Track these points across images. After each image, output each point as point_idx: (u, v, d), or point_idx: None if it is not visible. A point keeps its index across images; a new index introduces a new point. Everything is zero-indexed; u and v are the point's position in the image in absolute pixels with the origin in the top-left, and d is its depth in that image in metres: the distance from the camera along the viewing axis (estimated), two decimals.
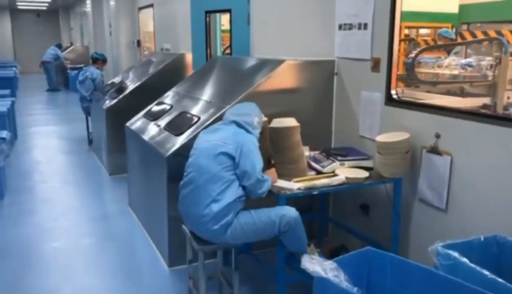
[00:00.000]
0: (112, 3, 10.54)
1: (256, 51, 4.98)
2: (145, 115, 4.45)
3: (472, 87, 5.10)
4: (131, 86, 5.98)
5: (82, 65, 15.48)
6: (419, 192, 3.03)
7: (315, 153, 3.29)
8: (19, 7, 22.74)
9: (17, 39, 23.88)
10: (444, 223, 2.87)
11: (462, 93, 5.29)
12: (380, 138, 3.02)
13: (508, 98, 4.59)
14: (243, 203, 2.68)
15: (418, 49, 4.47)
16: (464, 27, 6.00)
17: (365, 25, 3.40)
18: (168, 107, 4.26)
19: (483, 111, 4.47)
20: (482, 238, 2.35)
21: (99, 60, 7.20)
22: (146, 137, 3.94)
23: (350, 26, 3.55)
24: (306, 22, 4.07)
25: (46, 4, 21.64)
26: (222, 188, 2.58)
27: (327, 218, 3.90)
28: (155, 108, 4.50)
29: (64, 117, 10.41)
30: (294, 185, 2.78)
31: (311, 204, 3.81)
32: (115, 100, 5.79)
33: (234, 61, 4.63)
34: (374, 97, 3.36)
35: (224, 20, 6.12)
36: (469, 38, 6.03)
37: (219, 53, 6.01)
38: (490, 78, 4.69)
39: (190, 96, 4.25)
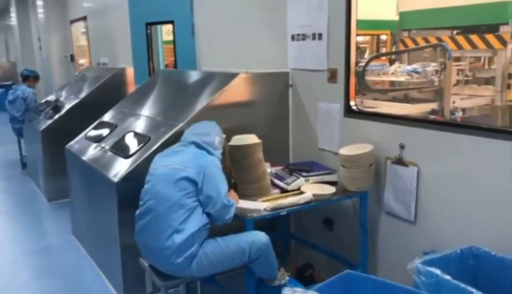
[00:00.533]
0: (40, 16, 9.91)
1: (203, 63, 4.78)
2: (87, 136, 4.11)
3: (419, 93, 5.20)
4: (68, 104, 5.57)
5: (9, 83, 14.56)
6: (385, 205, 2.95)
7: (277, 169, 3.14)
8: None
9: None
10: (413, 236, 2.80)
11: (407, 100, 5.40)
12: (344, 151, 2.92)
13: (454, 102, 4.71)
14: (208, 231, 2.47)
15: (369, 57, 4.45)
16: (405, 34, 6.13)
17: (320, 35, 3.31)
18: (112, 126, 3.96)
19: (432, 117, 4.56)
20: (458, 251, 2.30)
21: (30, 77, 6.70)
22: (90, 160, 3.62)
23: (304, 37, 3.45)
24: (257, 32, 3.93)
25: None
26: (184, 217, 2.36)
27: (289, 235, 3.76)
28: (98, 128, 4.17)
29: None
30: (261, 206, 2.61)
31: (272, 222, 3.65)
32: (51, 120, 5.36)
33: (181, 75, 4.41)
34: (332, 109, 3.26)
35: (166, 29, 5.90)
36: (411, 45, 6.18)
37: (162, 67, 5.74)
38: (436, 84, 4.79)
39: (136, 114, 3.97)
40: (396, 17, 6.91)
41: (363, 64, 4.49)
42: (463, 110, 4.70)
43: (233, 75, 3.46)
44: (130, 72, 5.72)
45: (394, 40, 7.55)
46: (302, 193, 2.75)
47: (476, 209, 2.45)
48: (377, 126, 2.98)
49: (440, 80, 4.71)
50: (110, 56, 7.14)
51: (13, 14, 13.92)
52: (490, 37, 4.89)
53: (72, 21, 9.07)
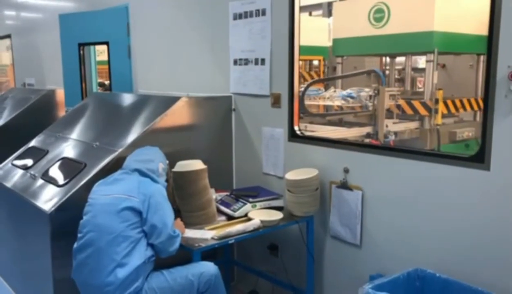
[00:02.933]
0: None
1: (140, 86, 4.64)
2: (14, 163, 3.80)
3: (354, 118, 5.37)
4: None
5: None
6: (331, 229, 2.97)
7: (223, 195, 3.07)
8: None
9: None
10: (359, 259, 2.83)
11: (341, 123, 5.57)
12: (289, 175, 2.92)
13: (387, 126, 4.90)
14: (153, 264, 2.34)
15: (308, 82, 4.54)
16: (339, 60, 6.34)
17: (263, 60, 3.33)
18: (43, 152, 3.69)
19: (367, 140, 4.72)
20: (405, 273, 2.35)
21: None
22: (18, 189, 3.33)
23: (246, 61, 3.45)
24: (198, 55, 3.88)
25: None
26: (128, 250, 2.22)
27: (232, 261, 3.68)
28: (26, 154, 3.87)
29: None
30: (208, 234, 2.52)
31: (215, 249, 3.55)
32: None
33: (116, 98, 4.23)
34: (276, 133, 3.27)
35: (100, 49, 5.68)
36: (344, 70, 6.41)
37: (95, 89, 5.50)
38: (370, 108, 4.97)
39: (69, 138, 3.74)
40: (328, 44, 7.18)
41: (301, 89, 4.57)
42: (395, 133, 4.90)
43: (174, 99, 3.37)
44: (60, 93, 5.44)
45: (326, 65, 7.84)
46: (249, 219, 2.70)
47: (417, 230, 2.52)
48: (321, 150, 3.01)
49: (373, 104, 4.90)
50: (37, 76, 6.76)
51: None
52: None
53: None
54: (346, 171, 2.84)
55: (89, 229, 2.30)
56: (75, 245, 2.36)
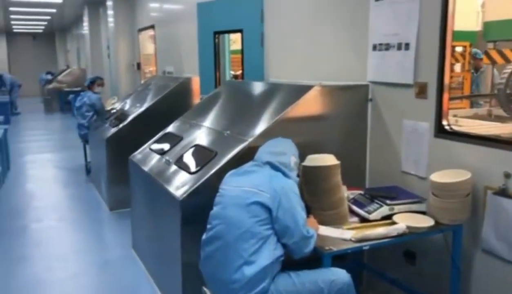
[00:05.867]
0: (111, 24, 10.16)
1: (272, 74, 4.54)
2: (152, 147, 3.97)
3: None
4: (133, 113, 5.52)
5: (79, 89, 15.13)
6: (483, 241, 2.54)
7: (355, 194, 2.81)
8: (15, 30, 22.46)
9: (13, 62, 23.55)
10: None
11: (491, 117, 4.86)
12: (436, 177, 2.55)
13: None
14: (281, 265, 2.19)
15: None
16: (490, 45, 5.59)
17: (407, 45, 2.97)
18: (177, 138, 3.79)
19: None
20: None
21: (94, 84, 6.76)
22: (154, 174, 3.45)
23: (387, 46, 3.12)
24: (332, 42, 3.64)
25: (42, 27, 21.35)
26: (256, 247, 2.09)
27: (362, 265, 3.41)
28: (162, 139, 4.02)
29: (61, 144, 9.95)
30: (346, 234, 2.29)
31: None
32: (116, 129, 5.32)
33: (248, 86, 4.18)
34: (420, 128, 2.90)
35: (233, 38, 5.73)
36: (495, 56, 5.65)
37: (228, 77, 5.57)
38: None
39: (202, 126, 3.78)
40: (476, 28, 6.38)
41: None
42: None
43: (307, 88, 3.19)
44: (195, 82, 5.59)
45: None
46: (392, 223, 2.41)
47: None
48: (475, 149, 2.58)
49: None
50: (176, 65, 7.10)
51: (85, 23, 14.47)
52: None
53: (140, 30, 9.17)
54: (507, 176, 2.39)
55: (219, 221, 2.23)
56: (204, 236, 2.32)
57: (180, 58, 6.90)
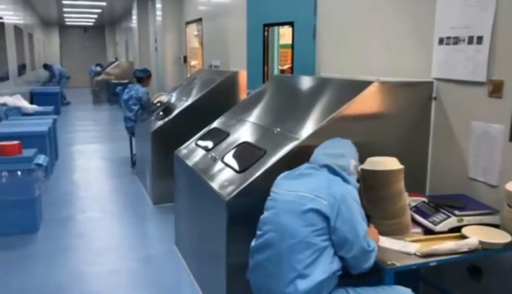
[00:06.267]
0: (159, 18, 10.18)
1: (323, 69, 4.32)
2: (198, 143, 3.84)
3: None
4: (179, 107, 5.43)
5: (126, 81, 15.37)
6: None
7: (417, 201, 2.56)
8: (67, 23, 23.14)
9: (64, 54, 24.31)
10: None
11: None
12: None
13: None
14: (337, 279, 1.99)
15: None
16: None
17: (479, 38, 2.68)
18: (224, 134, 3.64)
19: None
20: None
21: (143, 78, 6.72)
22: (199, 171, 3.32)
23: (456, 40, 2.84)
24: (393, 35, 3.38)
25: (93, 20, 21.88)
26: (311, 259, 1.90)
27: (419, 277, 3.15)
28: (208, 134, 3.89)
29: (108, 135, 10.08)
30: (410, 247, 2.07)
31: None
32: (162, 122, 5.25)
33: (298, 81, 3.97)
34: (492, 130, 2.61)
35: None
36: None
37: (276, 72, 5.38)
38: None
39: (249, 122, 3.62)
40: None
41: None
42: None
43: (364, 84, 2.95)
44: (243, 76, 5.44)
45: None
46: (462, 237, 2.16)
47: None
48: None
49: None
50: (223, 58, 6.98)
51: (134, 17, 14.65)
52: None
53: (188, 23, 9.13)
54: None
55: (270, 228, 2.05)
56: (253, 243, 2.15)
57: (227, 52, 6.77)
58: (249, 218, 2.68)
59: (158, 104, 6.11)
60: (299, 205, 1.97)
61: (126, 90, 6.73)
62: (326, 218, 1.92)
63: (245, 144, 3.25)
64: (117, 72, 16.40)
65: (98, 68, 18.60)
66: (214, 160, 3.31)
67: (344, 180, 2.04)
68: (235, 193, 2.72)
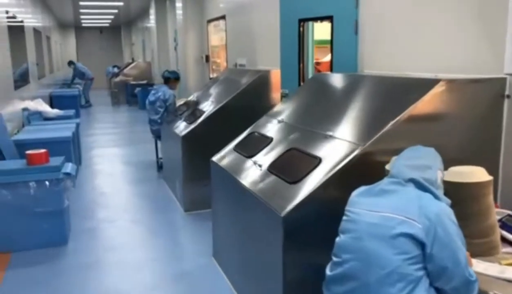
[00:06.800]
0: (179, 16, 9.94)
1: (367, 66, 4.01)
2: (237, 149, 3.57)
3: None
4: (209, 109, 5.16)
5: (144, 82, 15.19)
6: None
7: (501, 214, 2.25)
8: (84, 24, 23.10)
9: (81, 55, 24.29)
10: None
11: None
12: None
13: None
14: None
15: None
16: None
17: None
18: (266, 140, 3.36)
19: None
20: None
21: (171, 79, 6.48)
22: (244, 181, 3.04)
23: None
24: (453, 25, 3.06)
25: (109, 21, 21.79)
26: (405, 293, 1.61)
27: None
28: (248, 139, 3.62)
29: (129, 137, 9.89)
30: (509, 272, 1.77)
31: None
32: (193, 126, 4.99)
33: (343, 80, 3.67)
34: None
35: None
36: None
37: (310, 70, 5.08)
38: None
39: (294, 126, 3.33)
40: None
41: None
42: None
43: (430, 82, 2.65)
44: (275, 75, 5.15)
45: None
46: None
47: None
48: None
49: None
50: (249, 57, 6.69)
51: (152, 16, 14.46)
52: None
53: (209, 21, 8.87)
54: None
55: (352, 256, 1.76)
56: (328, 271, 1.86)
57: (254, 50, 6.49)
58: (306, 232, 2.48)
59: (185, 107, 5.86)
60: (387, 229, 1.68)
61: (153, 92, 6.50)
62: (421, 244, 1.63)
63: (294, 150, 2.96)
64: (135, 73, 16.24)
65: (115, 69, 18.48)
66: (260, 168, 3.03)
67: (435, 196, 1.75)
68: (291, 207, 2.44)
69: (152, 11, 14.32)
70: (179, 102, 6.35)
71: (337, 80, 3.81)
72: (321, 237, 2.44)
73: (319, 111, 3.39)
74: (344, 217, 1.89)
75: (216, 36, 8.76)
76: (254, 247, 2.96)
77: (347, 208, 1.91)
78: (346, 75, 3.75)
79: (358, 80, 3.47)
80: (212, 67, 9.07)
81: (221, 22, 8.14)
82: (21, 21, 8.29)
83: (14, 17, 7.40)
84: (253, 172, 3.07)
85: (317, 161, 2.64)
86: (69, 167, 4.22)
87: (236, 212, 3.29)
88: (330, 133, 2.86)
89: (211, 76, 8.94)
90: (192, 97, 6.21)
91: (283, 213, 2.42)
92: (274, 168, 2.91)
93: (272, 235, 2.58)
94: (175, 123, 5.56)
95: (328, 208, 2.46)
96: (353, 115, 3.01)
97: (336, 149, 2.67)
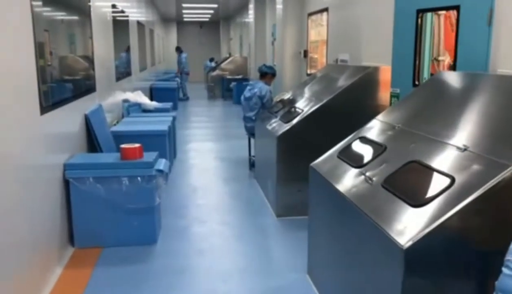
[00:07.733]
0: (279, 10, 9.63)
1: (502, 64, 3.35)
2: (341, 156, 3.13)
3: None
4: (307, 108, 4.76)
5: (240, 77, 15.18)
6: None
7: None
8: (185, 19, 23.79)
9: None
10: None
11: None
12: None
13: None
14: None
15: None
16: None
17: None
18: (379, 148, 2.89)
19: None
20: None
21: (268, 74, 6.17)
22: (350, 195, 2.60)
23: None
24: None
25: (209, 16, 22.19)
26: None
27: None
28: (355, 145, 3.16)
29: (223, 132, 9.80)
30: None
31: None
32: (289, 126, 4.62)
33: (475, 81, 3.08)
34: None
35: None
36: None
37: (426, 67, 4.47)
38: None
39: (415, 132, 2.82)
40: None
41: None
42: None
43: None
44: (385, 72, 4.62)
45: None
46: None
47: None
48: None
49: None
50: (352, 52, 6.17)
51: (250, 11, 14.36)
52: None
53: (310, 14, 8.44)
54: None
55: None
56: None
57: (358, 44, 5.95)
58: (433, 268, 2.02)
59: (281, 105, 5.51)
60: None
61: (248, 87, 6.23)
62: None
63: (415, 163, 2.46)
64: (231, 68, 16.29)
65: (213, 64, 18.74)
66: (371, 183, 2.57)
67: None
68: (416, 239, 1.96)
69: (251, 6, 14.22)
70: (276, 99, 6.03)
71: (464, 80, 3.21)
72: (452, 276, 1.99)
73: (445, 117, 2.84)
74: (506, 271, 1.39)
75: (314, 31, 8.33)
76: (361, 273, 2.51)
77: (508, 258, 1.41)
78: (475, 75, 3.15)
79: (492, 82, 2.87)
80: (311, 62, 8.65)
81: (320, 16, 7.68)
82: (126, 15, 8.48)
83: (119, 10, 7.55)
84: (361, 187, 2.62)
85: (450, 180, 2.13)
86: (162, 164, 4.06)
87: (338, 229, 2.86)
88: (466, 145, 2.32)
89: (308, 72, 8.53)
90: (288, 94, 5.85)
91: (406, 245, 1.95)
92: (390, 184, 2.43)
93: (389, 267, 2.12)
94: (270, 121, 5.24)
95: (462, 242, 1.97)
96: (490, 125, 2.45)
97: (474, 167, 2.14)
